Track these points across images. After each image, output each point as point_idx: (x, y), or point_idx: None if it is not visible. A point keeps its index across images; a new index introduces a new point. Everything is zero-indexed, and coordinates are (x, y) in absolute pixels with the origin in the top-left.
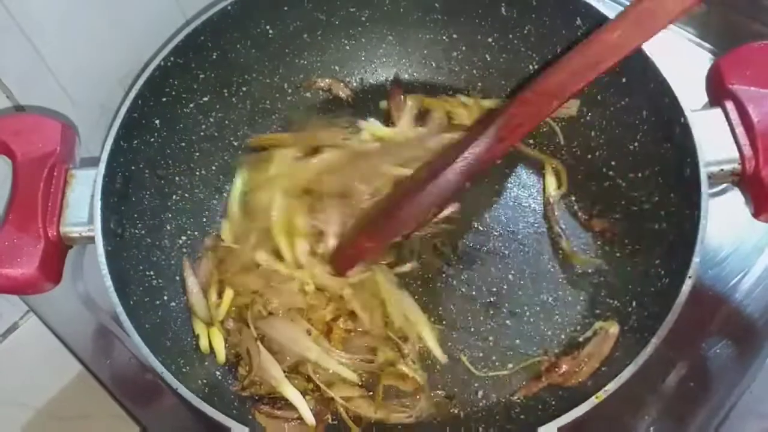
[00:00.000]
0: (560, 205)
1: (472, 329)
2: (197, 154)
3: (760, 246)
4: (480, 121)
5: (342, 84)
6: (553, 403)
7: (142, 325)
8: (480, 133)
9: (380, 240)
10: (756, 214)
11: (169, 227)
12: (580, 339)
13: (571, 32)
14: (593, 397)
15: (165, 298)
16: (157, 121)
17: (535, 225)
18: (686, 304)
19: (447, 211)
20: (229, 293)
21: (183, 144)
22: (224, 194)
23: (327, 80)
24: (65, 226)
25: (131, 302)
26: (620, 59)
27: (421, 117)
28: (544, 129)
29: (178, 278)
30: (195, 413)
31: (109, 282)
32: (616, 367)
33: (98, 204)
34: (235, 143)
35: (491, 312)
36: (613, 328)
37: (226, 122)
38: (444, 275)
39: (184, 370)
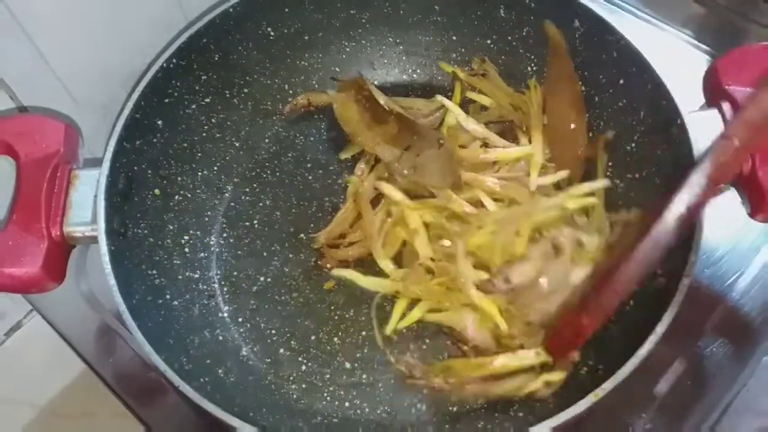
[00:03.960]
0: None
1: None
2: (199, 154)
3: (756, 245)
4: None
5: (319, 92)
6: (551, 401)
7: (144, 323)
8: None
9: (599, 314)
10: (752, 214)
11: (171, 227)
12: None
13: (569, 34)
14: (591, 395)
15: (167, 297)
16: (159, 122)
17: None
18: (683, 303)
19: None
20: None
21: (185, 144)
22: (226, 194)
23: (303, 96)
24: (68, 226)
25: (134, 301)
26: None
27: None
28: None
29: (180, 277)
30: (198, 411)
31: (112, 281)
32: (613, 366)
33: (101, 204)
34: (237, 144)
35: None
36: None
37: (228, 123)
38: None
39: (186, 368)
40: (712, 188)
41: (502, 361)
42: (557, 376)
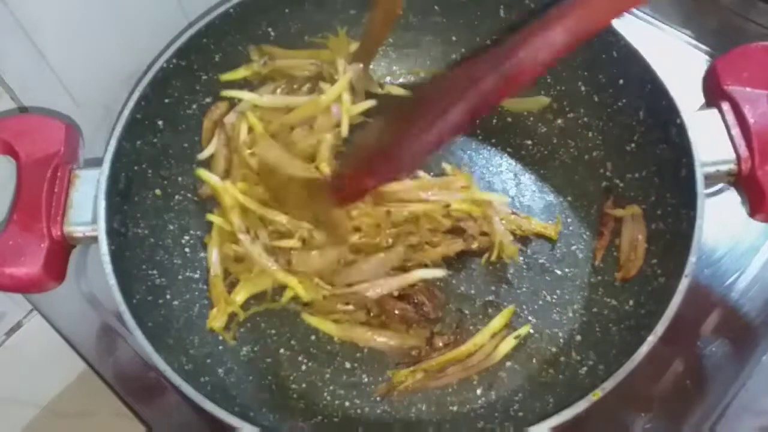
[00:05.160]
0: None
1: (471, 328)
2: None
3: (755, 246)
4: (482, 59)
5: None
6: (551, 400)
7: (145, 323)
8: (486, 72)
9: (379, 179)
10: (752, 214)
11: (171, 227)
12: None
13: None
14: (590, 394)
15: (168, 296)
16: (160, 122)
17: None
18: (683, 303)
19: None
20: None
21: (185, 145)
22: None
23: None
24: (69, 225)
25: (134, 301)
26: None
27: None
28: (543, 130)
29: (180, 277)
30: (198, 411)
31: (112, 281)
32: (613, 365)
33: (102, 204)
34: None
35: (490, 311)
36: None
37: None
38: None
39: (186, 368)
40: (507, 88)
41: (384, 339)
42: (524, 329)
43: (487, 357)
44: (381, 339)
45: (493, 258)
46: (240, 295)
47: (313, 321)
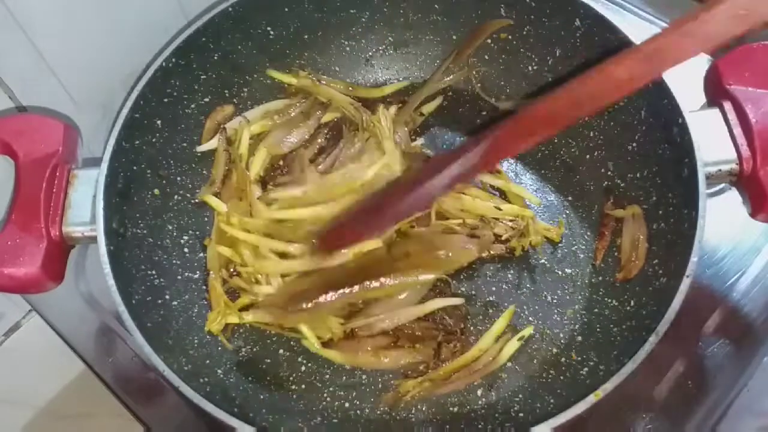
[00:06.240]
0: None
1: (472, 328)
2: (199, 154)
3: (757, 246)
4: (472, 141)
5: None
6: (552, 401)
7: (144, 324)
8: (468, 151)
9: (362, 234)
10: (753, 214)
11: (170, 227)
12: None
13: (570, 33)
14: (591, 395)
15: (167, 297)
16: (158, 122)
17: None
18: (684, 303)
19: None
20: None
21: (185, 144)
22: None
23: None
24: (68, 225)
25: (133, 301)
26: (623, 96)
27: None
28: None
29: (179, 278)
30: (197, 412)
31: (111, 281)
32: (614, 366)
33: (100, 204)
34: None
35: (491, 311)
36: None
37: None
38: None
39: (186, 368)
40: (483, 165)
41: (391, 359)
42: (527, 331)
43: (492, 360)
44: (387, 360)
45: (528, 244)
46: (247, 318)
47: (315, 347)
